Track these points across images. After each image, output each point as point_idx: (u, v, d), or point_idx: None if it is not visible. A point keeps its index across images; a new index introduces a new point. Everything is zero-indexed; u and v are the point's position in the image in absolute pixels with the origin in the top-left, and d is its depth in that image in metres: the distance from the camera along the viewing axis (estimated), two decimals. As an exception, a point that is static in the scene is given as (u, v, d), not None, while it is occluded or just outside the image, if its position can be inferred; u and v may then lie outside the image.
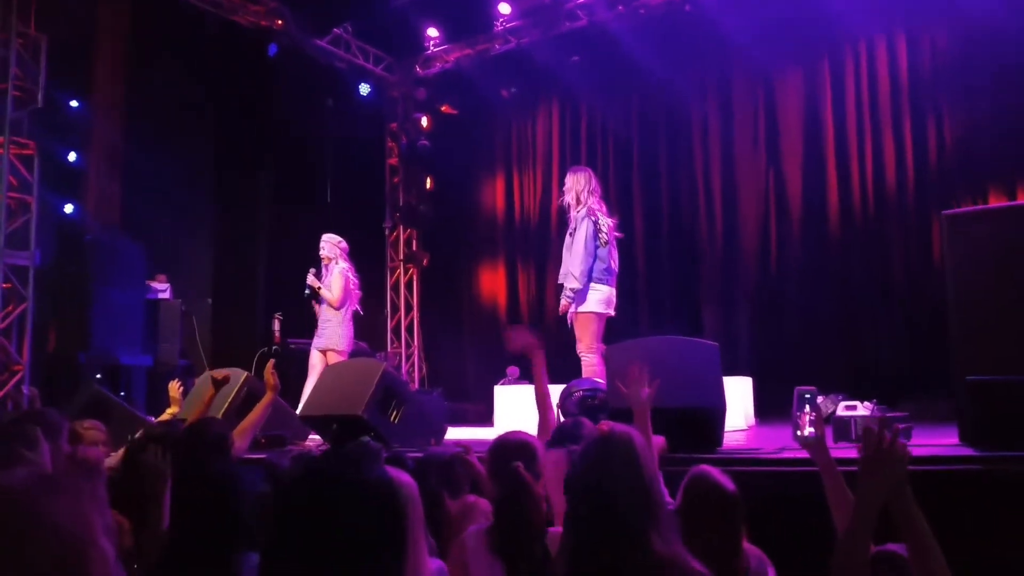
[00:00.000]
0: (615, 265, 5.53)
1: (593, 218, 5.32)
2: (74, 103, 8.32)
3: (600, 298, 5.36)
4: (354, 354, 6.87)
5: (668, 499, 2.76)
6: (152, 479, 2.75)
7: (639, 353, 4.12)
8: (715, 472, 2.46)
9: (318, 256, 6.76)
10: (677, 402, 3.72)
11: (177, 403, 4.96)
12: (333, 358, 6.45)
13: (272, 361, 4.23)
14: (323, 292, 6.54)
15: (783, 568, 2.44)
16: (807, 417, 2.17)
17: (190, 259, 9.37)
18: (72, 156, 8.40)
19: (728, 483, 2.42)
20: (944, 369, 4.79)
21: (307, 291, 6.63)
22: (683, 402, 3.78)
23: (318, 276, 6.66)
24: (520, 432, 2.87)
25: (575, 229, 5.36)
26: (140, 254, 8.10)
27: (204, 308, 9.32)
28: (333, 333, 6.55)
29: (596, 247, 5.32)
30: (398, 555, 1.57)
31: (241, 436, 3.84)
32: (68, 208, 8.41)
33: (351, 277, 6.69)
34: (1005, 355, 3.72)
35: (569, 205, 5.46)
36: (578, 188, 5.43)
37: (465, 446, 3.44)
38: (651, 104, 9.15)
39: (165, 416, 4.90)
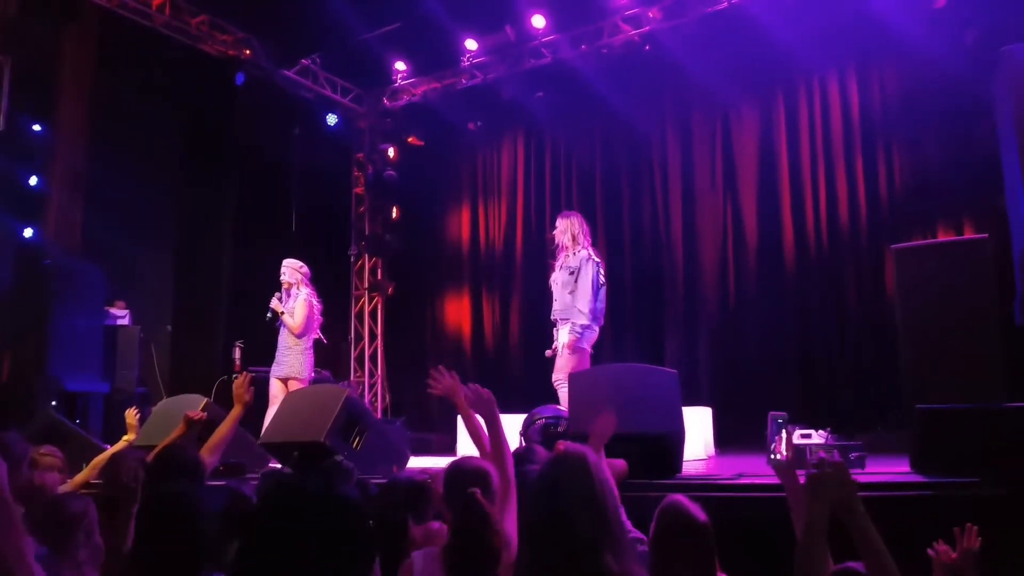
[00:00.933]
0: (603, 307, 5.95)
1: (597, 260, 5.75)
2: (37, 126, 8.23)
3: (592, 337, 5.74)
4: (316, 382, 6.83)
5: (631, 529, 2.80)
6: (124, 498, 2.74)
7: (601, 380, 4.20)
8: (686, 501, 2.50)
9: (279, 282, 6.71)
10: (637, 427, 3.79)
11: (134, 430, 4.90)
12: (294, 386, 6.38)
13: (248, 376, 4.19)
14: (285, 318, 6.47)
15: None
16: (781, 442, 2.25)
17: (151, 284, 9.26)
18: (33, 180, 8.29)
19: (699, 513, 2.45)
20: (898, 401, 4.94)
21: (269, 315, 6.54)
22: (643, 427, 3.84)
23: (280, 301, 6.59)
24: (474, 458, 2.88)
25: (577, 270, 5.69)
26: (100, 279, 7.99)
27: (164, 335, 9.19)
28: (295, 361, 6.48)
29: (598, 288, 5.72)
30: (366, 569, 1.60)
31: (211, 452, 3.81)
32: (27, 232, 8.28)
33: (314, 303, 6.63)
34: (952, 384, 3.85)
35: (564, 245, 5.82)
36: (574, 230, 5.82)
37: (431, 474, 3.44)
38: (613, 138, 9.35)
39: (121, 444, 4.84)
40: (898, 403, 4.91)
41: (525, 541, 1.94)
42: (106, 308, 8.31)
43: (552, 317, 5.95)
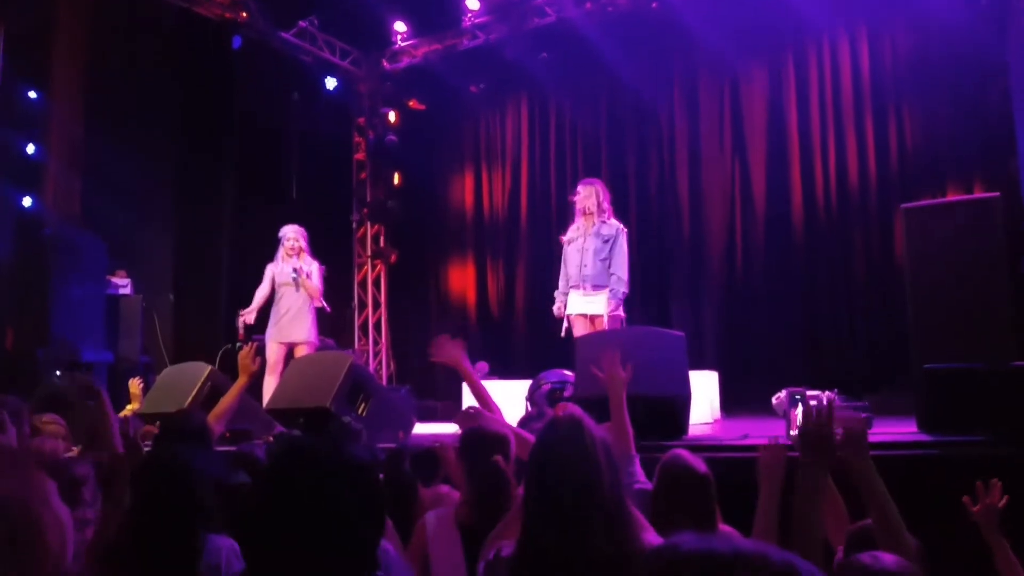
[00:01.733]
0: None
1: (626, 231, 5.81)
2: (32, 93, 8.14)
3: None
4: (320, 350, 6.82)
5: (644, 480, 2.80)
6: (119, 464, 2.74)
7: (608, 344, 4.16)
8: (687, 455, 2.51)
9: (279, 246, 6.66)
10: (644, 390, 3.76)
11: (138, 399, 4.91)
12: (302, 351, 6.37)
13: (254, 345, 4.18)
14: (305, 281, 6.45)
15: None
16: (797, 416, 2.23)
17: (151, 253, 9.21)
18: (31, 148, 8.21)
19: (700, 465, 2.46)
20: (905, 364, 4.92)
21: (293, 275, 6.47)
22: (650, 391, 3.82)
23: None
24: (492, 422, 2.87)
25: (613, 238, 5.74)
26: (101, 248, 7.96)
27: (166, 304, 9.17)
28: (307, 326, 6.47)
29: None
30: (379, 528, 1.60)
31: (217, 420, 3.82)
32: (27, 201, 8.22)
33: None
34: (960, 344, 3.82)
35: (588, 210, 5.82)
36: (599, 197, 5.84)
37: (439, 440, 3.46)
38: (619, 100, 9.21)
39: (126, 412, 4.84)
40: (905, 366, 4.90)
41: (525, 508, 1.84)
42: (107, 278, 8.29)
43: (573, 283, 5.86)
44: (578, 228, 5.91)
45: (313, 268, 6.49)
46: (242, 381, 3.94)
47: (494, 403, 3.31)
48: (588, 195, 5.86)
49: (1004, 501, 2.33)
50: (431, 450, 3.23)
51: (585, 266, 5.77)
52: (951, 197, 6.97)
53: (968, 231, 4.07)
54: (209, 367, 5.35)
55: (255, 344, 4.22)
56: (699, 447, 3.82)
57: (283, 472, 1.59)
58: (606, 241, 5.73)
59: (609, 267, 5.75)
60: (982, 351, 3.71)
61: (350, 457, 1.59)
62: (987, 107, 7.12)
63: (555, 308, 6.01)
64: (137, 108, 8.55)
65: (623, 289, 5.74)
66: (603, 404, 3.06)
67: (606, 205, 5.89)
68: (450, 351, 3.54)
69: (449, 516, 2.58)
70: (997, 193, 4.18)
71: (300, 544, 1.50)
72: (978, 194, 6.55)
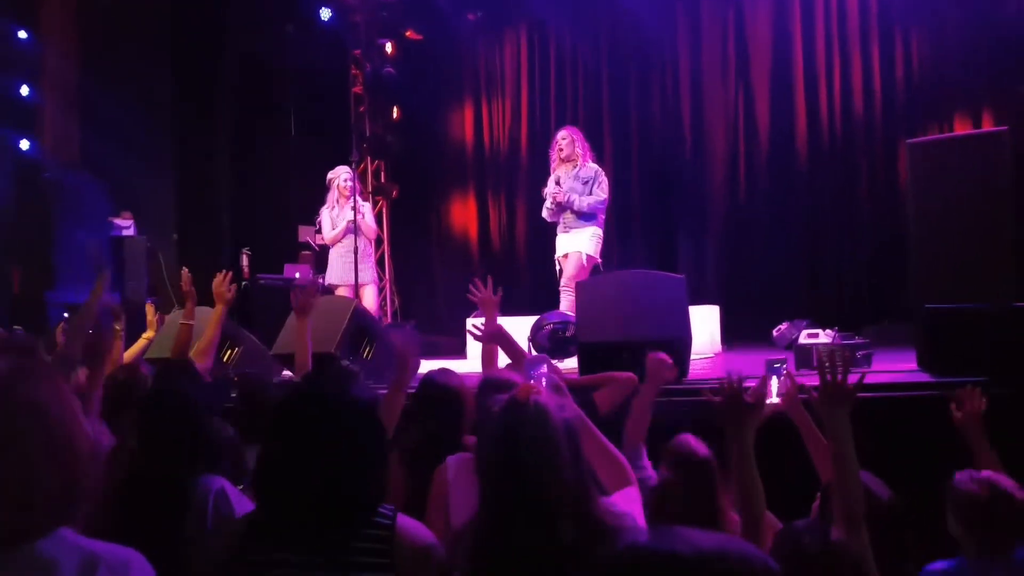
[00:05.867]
0: None
1: (605, 178, 5.98)
2: (22, 34, 7.97)
3: (600, 247, 5.99)
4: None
5: (646, 465, 2.81)
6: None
7: (608, 287, 4.18)
8: (692, 440, 2.53)
9: (329, 190, 6.74)
10: (645, 334, 3.79)
11: (153, 326, 4.91)
12: (371, 292, 6.70)
13: (226, 273, 4.11)
14: (361, 223, 6.58)
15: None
16: (773, 386, 2.26)
17: (153, 195, 9.15)
18: (24, 90, 8.09)
19: (703, 449, 2.49)
20: (907, 295, 4.94)
21: (357, 222, 6.65)
22: (650, 334, 3.84)
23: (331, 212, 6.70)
24: (503, 371, 2.89)
25: (592, 179, 5.92)
26: (101, 191, 7.93)
27: (170, 244, 9.18)
28: (371, 268, 6.81)
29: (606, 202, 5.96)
30: (383, 459, 1.70)
31: (201, 355, 3.77)
32: (24, 144, 8.15)
33: None
34: (962, 283, 3.83)
35: (570, 156, 6.00)
36: (580, 143, 6.02)
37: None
38: (620, 29, 8.98)
39: (142, 340, 4.88)
40: (906, 297, 4.93)
41: (480, 501, 1.75)
42: (111, 219, 8.28)
43: (559, 229, 6.06)
44: (557, 176, 6.03)
45: (366, 208, 6.63)
46: (219, 310, 3.86)
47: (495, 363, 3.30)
48: (570, 142, 6.01)
49: (984, 403, 2.42)
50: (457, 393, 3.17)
51: (570, 193, 5.96)
52: (958, 128, 6.88)
53: (974, 167, 4.02)
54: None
55: (228, 272, 4.18)
56: (696, 391, 3.88)
57: (288, 415, 1.69)
58: (586, 183, 5.89)
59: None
60: (983, 291, 3.71)
61: (352, 397, 1.69)
62: (1000, 27, 6.93)
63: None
64: (130, 48, 8.39)
65: (587, 203, 5.86)
66: (604, 351, 3.08)
67: (582, 150, 6.03)
68: (486, 297, 3.48)
69: (468, 461, 2.60)
70: (1005, 127, 4.09)
71: (313, 481, 1.60)
72: (986, 128, 6.45)
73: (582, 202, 5.86)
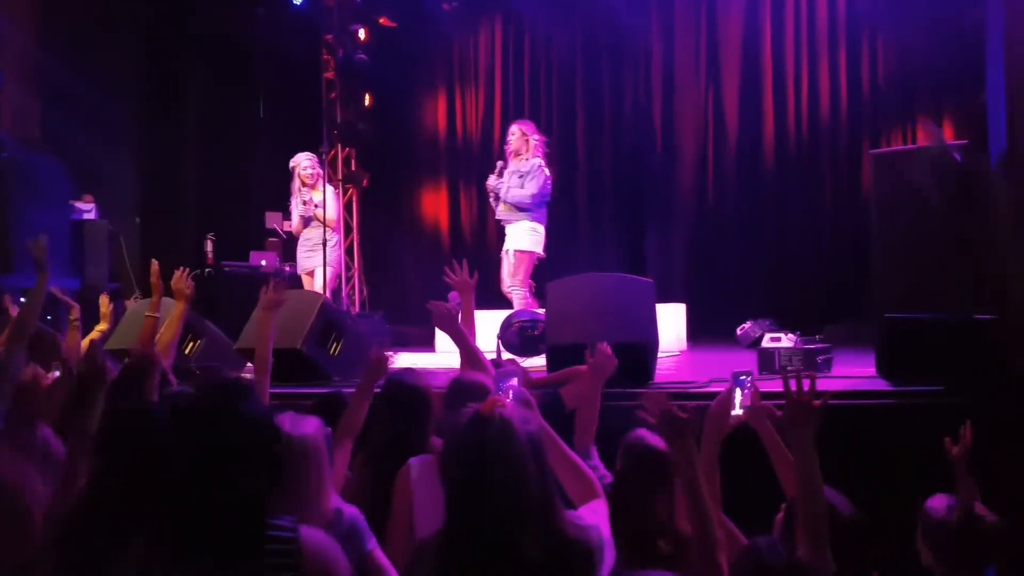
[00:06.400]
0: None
1: (547, 172, 5.93)
2: (-19, 7, 7.74)
3: (541, 240, 5.93)
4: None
5: (605, 473, 2.83)
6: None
7: (577, 289, 4.21)
8: (648, 435, 2.55)
9: (293, 178, 6.62)
10: (612, 338, 3.80)
11: (107, 319, 4.84)
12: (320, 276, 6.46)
13: (184, 270, 4.08)
14: (318, 212, 6.42)
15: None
16: (737, 398, 2.26)
17: (116, 177, 8.97)
18: (-19, 66, 7.86)
19: (660, 443, 2.50)
20: (867, 297, 5.05)
21: (313, 209, 6.52)
22: (618, 337, 3.86)
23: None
24: (476, 374, 2.89)
25: (527, 173, 5.86)
26: (62, 172, 7.75)
27: (132, 228, 9.01)
28: (329, 254, 6.57)
29: (545, 195, 5.92)
30: (269, 480, 1.66)
31: (163, 351, 3.72)
32: (-20, 123, 7.93)
33: None
34: (922, 294, 3.90)
35: (517, 151, 5.99)
36: (528, 138, 5.98)
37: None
38: (595, 24, 8.99)
39: (95, 333, 4.80)
40: (869, 298, 5.04)
41: (446, 513, 1.75)
42: (72, 203, 8.11)
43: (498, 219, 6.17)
44: (500, 168, 6.10)
45: (330, 194, 6.43)
46: (180, 307, 3.86)
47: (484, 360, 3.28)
48: (518, 137, 6.04)
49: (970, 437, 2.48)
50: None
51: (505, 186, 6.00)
52: (920, 135, 7.00)
53: (935, 178, 4.09)
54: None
55: (187, 269, 4.14)
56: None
57: (178, 427, 1.67)
58: (521, 176, 5.89)
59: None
60: (943, 302, 3.79)
61: (235, 413, 1.64)
62: (961, 38, 7.05)
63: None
64: (95, 23, 8.19)
65: (513, 195, 5.84)
66: (573, 352, 3.08)
67: (534, 146, 6.01)
68: (463, 280, 3.50)
69: (432, 463, 2.60)
70: (965, 141, 4.17)
71: (193, 495, 1.58)
72: (948, 132, 6.56)
73: (508, 194, 5.87)
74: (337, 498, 2.26)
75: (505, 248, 5.95)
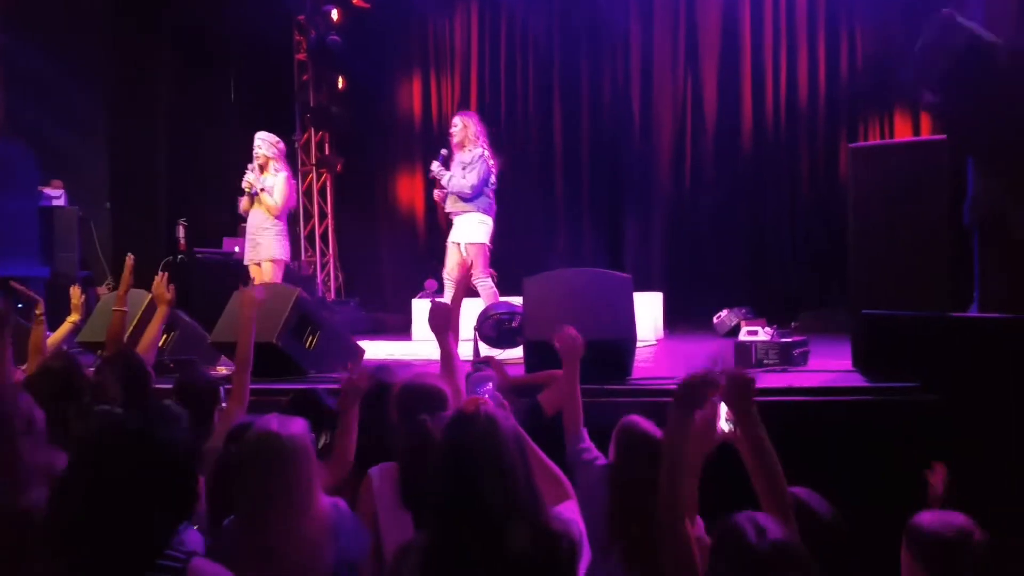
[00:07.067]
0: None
1: (491, 162, 5.91)
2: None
3: (490, 232, 5.94)
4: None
5: (599, 454, 2.82)
6: None
7: (554, 285, 4.18)
8: (641, 421, 2.54)
9: (250, 156, 6.22)
10: (590, 334, 3.78)
11: (78, 310, 4.74)
12: (269, 269, 6.07)
13: (163, 274, 4.04)
14: (263, 196, 6.06)
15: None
16: (722, 411, 2.21)
17: (85, 163, 8.80)
18: (-56, 51, 7.65)
19: (655, 430, 2.49)
20: (842, 284, 5.08)
21: (246, 188, 6.05)
22: (596, 334, 3.83)
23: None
24: (428, 376, 2.84)
25: (470, 164, 5.86)
26: (30, 158, 7.58)
27: (103, 214, 8.85)
28: (271, 243, 6.05)
29: (485, 184, 5.89)
30: (179, 511, 1.70)
31: (143, 354, 3.70)
32: (-58, 109, 7.73)
33: (293, 183, 6.27)
34: (899, 290, 3.92)
35: (461, 143, 5.96)
36: (472, 129, 5.96)
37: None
38: (573, 12, 8.90)
39: (66, 324, 4.71)
40: (842, 288, 5.08)
41: (425, 512, 1.82)
42: (40, 189, 7.94)
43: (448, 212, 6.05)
44: (444, 156, 6.07)
45: (279, 178, 6.04)
46: (162, 312, 3.84)
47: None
48: (463, 127, 6.01)
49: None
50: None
51: (448, 197, 5.96)
52: (898, 122, 7.02)
53: (913, 175, 4.10)
54: (150, 295, 5.19)
55: (165, 274, 4.08)
56: (643, 391, 3.93)
57: (92, 447, 1.69)
58: (464, 167, 5.87)
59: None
60: (919, 298, 3.81)
61: (155, 438, 1.68)
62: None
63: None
64: (62, 11, 7.99)
65: (454, 183, 5.82)
66: (551, 349, 3.04)
67: (473, 136, 5.96)
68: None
69: (392, 470, 2.58)
70: (943, 136, 4.18)
71: (96, 517, 1.59)
72: (924, 125, 6.60)
73: (451, 183, 5.85)
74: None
75: (455, 240, 5.93)
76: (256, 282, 3.79)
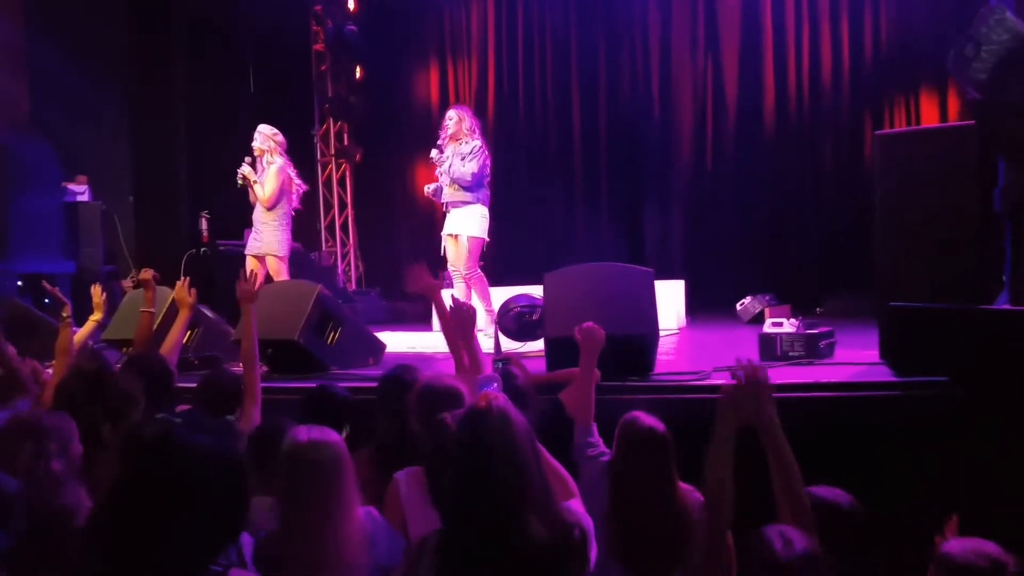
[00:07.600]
0: None
1: (486, 154, 6.01)
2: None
3: (487, 226, 6.02)
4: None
5: (598, 442, 2.83)
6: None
7: (575, 280, 4.15)
8: (643, 416, 2.53)
9: (250, 148, 6.21)
10: (611, 329, 3.74)
11: (100, 309, 4.80)
12: (271, 264, 6.10)
13: (186, 279, 4.09)
14: (257, 188, 5.98)
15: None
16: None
17: (107, 159, 8.86)
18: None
19: (658, 424, 2.49)
20: (867, 269, 5.00)
21: (240, 181, 6.02)
22: (617, 329, 3.80)
23: (253, 168, 6.06)
24: (446, 377, 2.85)
25: (468, 156, 5.94)
26: (52, 156, 7.65)
27: (127, 209, 8.92)
28: (270, 237, 6.03)
29: (484, 176, 5.98)
30: (230, 527, 1.64)
31: (167, 356, 3.73)
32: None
33: (290, 175, 6.12)
34: (927, 282, 3.84)
35: (455, 135, 6.05)
36: (465, 123, 6.03)
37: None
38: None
39: (90, 323, 4.76)
40: (867, 273, 5.00)
41: (445, 508, 1.87)
42: (65, 185, 8.01)
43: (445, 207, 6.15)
44: (445, 155, 6.08)
45: (270, 171, 5.97)
46: (184, 316, 3.90)
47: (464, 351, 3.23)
48: (458, 120, 6.07)
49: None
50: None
51: (446, 188, 6.05)
52: (924, 104, 6.87)
53: (941, 163, 4.00)
54: (172, 293, 5.22)
55: (187, 279, 4.13)
56: (664, 388, 3.89)
57: (148, 455, 1.62)
58: (462, 159, 5.93)
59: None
60: (948, 291, 3.74)
61: (219, 451, 1.62)
62: (964, 5, 6.91)
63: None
64: (81, 9, 8.02)
65: (456, 171, 5.89)
66: (573, 345, 3.04)
67: (467, 129, 6.05)
68: (427, 280, 3.48)
69: (419, 473, 2.59)
70: (972, 122, 4.07)
71: (142, 527, 1.54)
72: (951, 105, 6.45)
73: (452, 171, 5.93)
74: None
75: (453, 232, 6.01)
76: (251, 274, 3.79)
